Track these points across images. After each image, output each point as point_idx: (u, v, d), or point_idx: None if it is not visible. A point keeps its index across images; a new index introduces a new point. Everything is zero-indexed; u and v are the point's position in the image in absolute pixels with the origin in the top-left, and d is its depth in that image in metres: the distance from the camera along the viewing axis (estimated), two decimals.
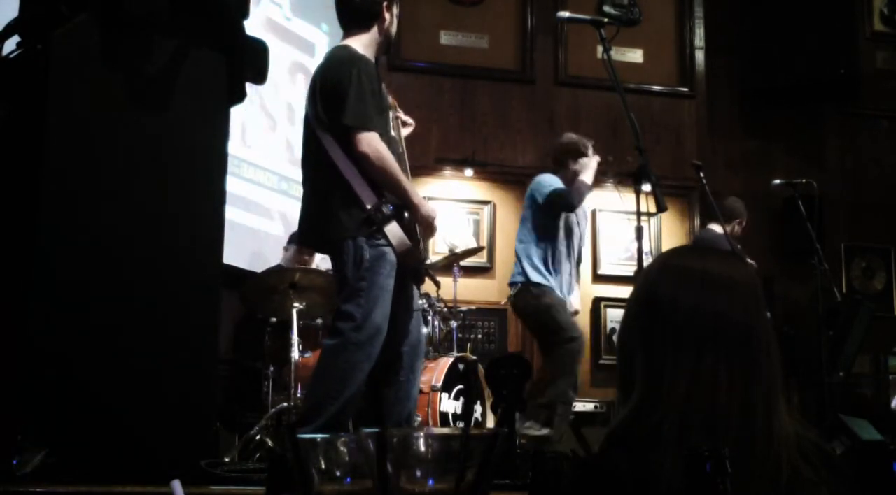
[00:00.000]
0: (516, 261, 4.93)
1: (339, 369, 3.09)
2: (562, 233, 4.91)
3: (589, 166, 4.91)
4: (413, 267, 3.31)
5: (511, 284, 4.97)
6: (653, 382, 1.21)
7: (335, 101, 3.17)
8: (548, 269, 4.82)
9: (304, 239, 3.50)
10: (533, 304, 4.83)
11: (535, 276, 4.80)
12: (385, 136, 3.24)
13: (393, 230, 3.17)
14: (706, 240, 5.49)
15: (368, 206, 3.15)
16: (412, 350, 3.36)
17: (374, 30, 3.39)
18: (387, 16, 3.39)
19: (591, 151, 5.02)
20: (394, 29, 3.47)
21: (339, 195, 3.18)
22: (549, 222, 4.88)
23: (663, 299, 1.25)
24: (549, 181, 4.89)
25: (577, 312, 4.96)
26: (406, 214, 3.24)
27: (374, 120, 3.18)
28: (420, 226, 3.30)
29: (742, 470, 1.06)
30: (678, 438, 1.14)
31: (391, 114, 3.64)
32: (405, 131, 3.70)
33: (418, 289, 3.50)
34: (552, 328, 4.73)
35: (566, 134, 5.23)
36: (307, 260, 5.12)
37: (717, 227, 5.67)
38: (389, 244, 3.16)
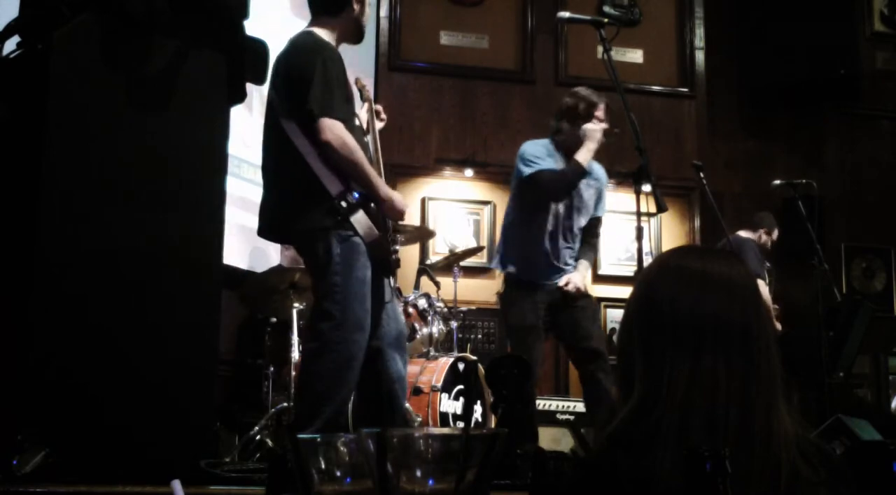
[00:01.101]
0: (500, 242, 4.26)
1: (328, 370, 3.01)
2: (552, 212, 4.13)
3: (590, 139, 4.05)
4: (381, 257, 3.20)
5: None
6: (652, 382, 1.22)
7: (298, 87, 3.08)
8: (527, 256, 4.13)
9: (265, 231, 3.29)
10: (506, 302, 4.22)
11: (510, 266, 4.17)
12: (349, 124, 3.15)
13: (359, 219, 3.07)
14: (733, 244, 5.41)
15: (333, 195, 3.06)
16: (395, 341, 3.27)
17: (342, 18, 3.30)
18: (356, 6, 3.30)
19: (601, 111, 4.14)
20: (364, 19, 3.38)
21: (303, 184, 3.09)
22: (532, 201, 4.15)
23: (662, 299, 1.25)
24: (533, 152, 4.17)
25: (579, 291, 4.08)
26: (373, 204, 3.15)
27: (338, 107, 3.09)
28: (391, 219, 3.21)
29: (742, 470, 1.06)
30: (678, 438, 1.14)
31: (366, 105, 3.59)
32: (379, 124, 3.62)
33: (390, 280, 3.37)
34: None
35: (575, 89, 4.30)
36: None
37: (744, 233, 5.71)
38: (357, 234, 3.08)
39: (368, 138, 3.46)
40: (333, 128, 3.05)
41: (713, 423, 1.16)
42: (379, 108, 3.68)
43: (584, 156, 4.05)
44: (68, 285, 2.39)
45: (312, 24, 3.33)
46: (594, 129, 4.09)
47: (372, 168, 3.18)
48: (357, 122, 3.35)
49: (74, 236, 2.43)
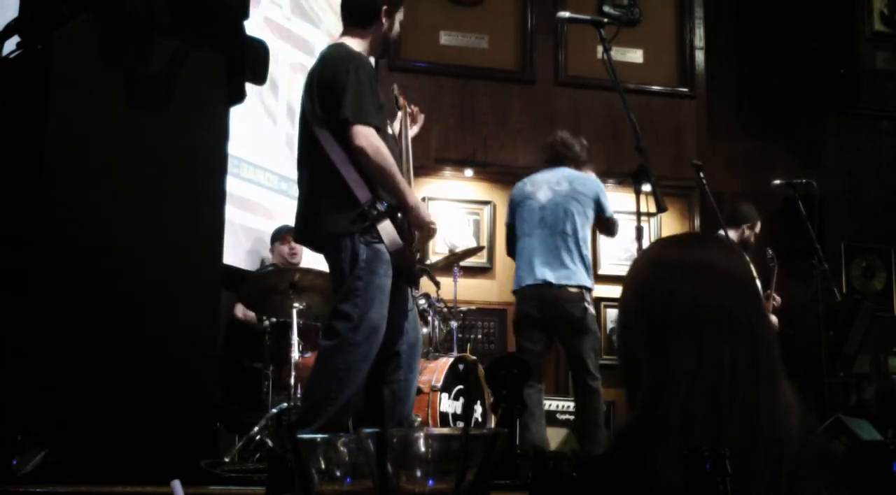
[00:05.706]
0: (582, 264, 4.67)
1: (337, 370, 3.07)
2: None
3: None
4: (405, 267, 3.29)
5: (586, 289, 4.66)
6: (656, 381, 1.20)
7: (332, 96, 3.16)
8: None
9: (299, 237, 3.47)
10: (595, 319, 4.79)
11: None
12: (382, 133, 3.22)
13: (385, 228, 3.14)
14: None
15: (362, 203, 3.13)
16: (410, 349, 3.34)
17: (372, 31, 3.38)
18: (385, 20, 3.38)
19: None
20: (394, 34, 3.46)
21: (334, 191, 3.16)
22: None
23: (662, 293, 1.22)
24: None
25: None
26: (400, 214, 3.21)
27: (371, 115, 3.16)
28: (416, 228, 3.27)
29: (743, 470, 1.06)
30: (680, 437, 1.13)
31: (400, 114, 3.64)
32: (413, 130, 3.68)
33: (412, 289, 3.47)
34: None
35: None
36: (294, 251, 5.11)
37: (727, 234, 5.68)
38: (382, 242, 3.14)
39: (401, 146, 3.51)
40: (367, 135, 3.12)
41: (717, 421, 1.15)
42: (416, 109, 3.71)
43: None
44: (68, 285, 2.39)
45: (344, 35, 3.42)
46: None
47: (402, 176, 3.24)
48: (390, 131, 3.41)
49: (74, 236, 2.43)
